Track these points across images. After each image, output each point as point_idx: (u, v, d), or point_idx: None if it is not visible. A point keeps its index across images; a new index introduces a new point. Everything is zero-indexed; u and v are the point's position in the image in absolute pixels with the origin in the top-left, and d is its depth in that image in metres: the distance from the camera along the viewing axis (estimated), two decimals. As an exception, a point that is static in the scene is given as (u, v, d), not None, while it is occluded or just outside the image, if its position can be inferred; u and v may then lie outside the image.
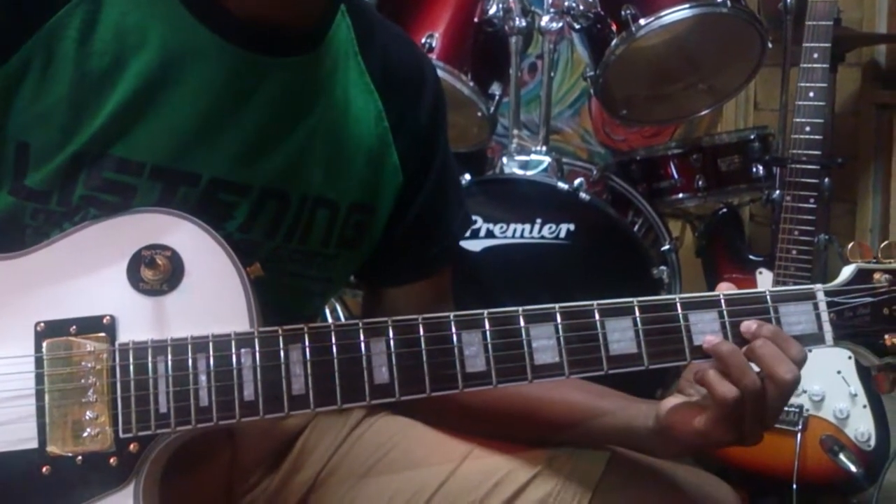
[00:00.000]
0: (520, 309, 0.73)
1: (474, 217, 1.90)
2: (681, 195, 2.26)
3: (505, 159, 2.03)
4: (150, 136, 0.78)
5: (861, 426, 1.67)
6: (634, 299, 0.73)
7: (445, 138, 0.99)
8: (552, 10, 1.98)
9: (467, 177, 1.93)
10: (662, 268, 1.90)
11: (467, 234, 1.88)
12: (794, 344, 0.72)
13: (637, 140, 3.00)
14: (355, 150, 0.89)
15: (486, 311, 0.73)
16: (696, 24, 1.94)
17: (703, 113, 2.23)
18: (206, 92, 0.79)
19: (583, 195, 1.87)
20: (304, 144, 0.85)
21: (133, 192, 0.78)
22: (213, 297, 0.74)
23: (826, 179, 2.20)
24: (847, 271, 0.77)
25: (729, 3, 1.85)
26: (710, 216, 2.01)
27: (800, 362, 0.72)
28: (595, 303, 0.73)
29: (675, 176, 2.25)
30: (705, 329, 0.72)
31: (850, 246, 0.78)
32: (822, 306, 0.73)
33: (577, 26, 2.03)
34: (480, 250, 1.91)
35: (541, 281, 1.90)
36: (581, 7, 1.97)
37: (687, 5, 1.87)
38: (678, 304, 0.72)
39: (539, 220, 1.89)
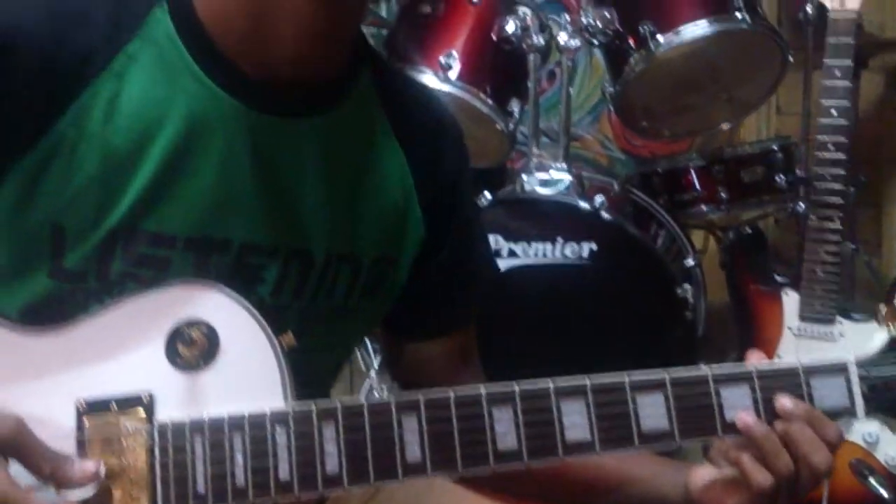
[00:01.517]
0: (551, 384, 0.73)
1: (494, 237, 1.91)
2: (703, 207, 2.26)
3: (525, 176, 2.02)
4: (180, 208, 0.78)
5: (891, 450, 1.66)
6: (666, 374, 0.73)
7: (469, 190, 0.99)
8: (570, 27, 1.97)
9: (487, 195, 1.93)
10: (686, 286, 1.90)
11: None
12: (829, 425, 0.72)
13: (657, 146, 2.98)
14: (379, 205, 0.90)
15: (517, 386, 0.73)
16: (716, 39, 1.92)
17: (725, 126, 2.22)
18: (231, 158, 0.80)
19: (604, 214, 1.87)
20: (329, 202, 0.86)
21: (168, 264, 0.79)
22: (248, 371, 0.75)
23: (852, 188, 2.19)
24: (879, 340, 0.76)
25: (749, 18, 1.84)
26: (733, 238, 2.00)
27: (836, 443, 0.72)
28: (626, 376, 0.73)
29: (698, 188, 2.25)
30: (737, 404, 0.72)
31: (884, 310, 0.77)
32: (854, 379, 0.73)
33: (595, 42, 2.02)
34: (502, 271, 1.91)
35: (563, 302, 1.91)
36: (599, 24, 1.97)
37: (706, 21, 1.87)
38: (710, 379, 0.72)
39: (560, 240, 1.89)
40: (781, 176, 2.19)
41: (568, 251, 1.89)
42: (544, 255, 1.90)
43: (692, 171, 2.25)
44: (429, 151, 0.93)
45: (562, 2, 2.93)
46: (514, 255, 1.90)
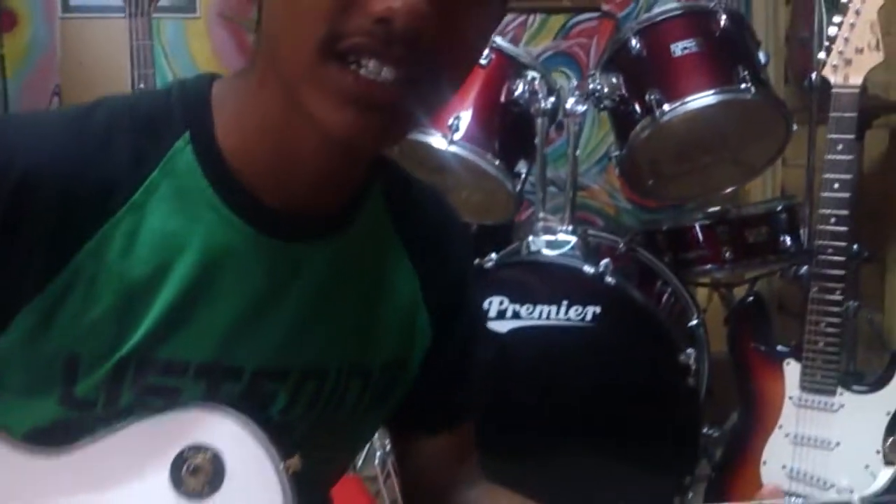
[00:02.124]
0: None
1: (500, 297, 1.92)
2: (708, 266, 2.28)
3: (531, 237, 2.04)
4: (194, 337, 0.78)
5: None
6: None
7: (473, 291, 1.01)
8: (577, 92, 2.00)
9: (493, 256, 1.95)
10: (689, 351, 1.90)
11: (494, 314, 1.93)
12: None
13: (663, 196, 3.01)
14: (389, 315, 0.90)
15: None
16: (722, 108, 1.94)
17: (729, 190, 2.24)
18: (247, 286, 0.80)
19: (608, 279, 1.88)
20: (342, 320, 0.86)
21: (177, 393, 0.78)
22: (253, 499, 0.76)
23: (854, 245, 2.20)
24: (883, 478, 0.77)
25: (754, 89, 1.86)
26: (736, 306, 2.01)
27: None
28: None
29: (703, 247, 2.27)
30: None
31: (889, 444, 0.78)
32: (856, 517, 0.74)
33: (603, 106, 2.05)
34: (507, 331, 1.92)
35: (567, 364, 1.92)
36: (606, 89, 1.99)
37: (711, 91, 1.89)
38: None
39: (566, 303, 1.90)
40: (786, 237, 2.21)
41: (572, 314, 1.90)
42: (548, 316, 1.91)
43: (697, 231, 2.27)
44: (435, 254, 0.94)
45: (572, 55, 2.97)
46: (518, 316, 1.91)
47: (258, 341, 0.81)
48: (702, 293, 2.60)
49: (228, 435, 0.77)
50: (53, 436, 0.77)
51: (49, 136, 0.77)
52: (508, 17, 2.91)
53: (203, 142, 0.79)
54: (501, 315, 1.91)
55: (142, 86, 1.85)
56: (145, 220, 0.77)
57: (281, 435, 0.78)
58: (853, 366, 2.39)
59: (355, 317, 0.87)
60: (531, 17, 2.95)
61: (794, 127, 1.97)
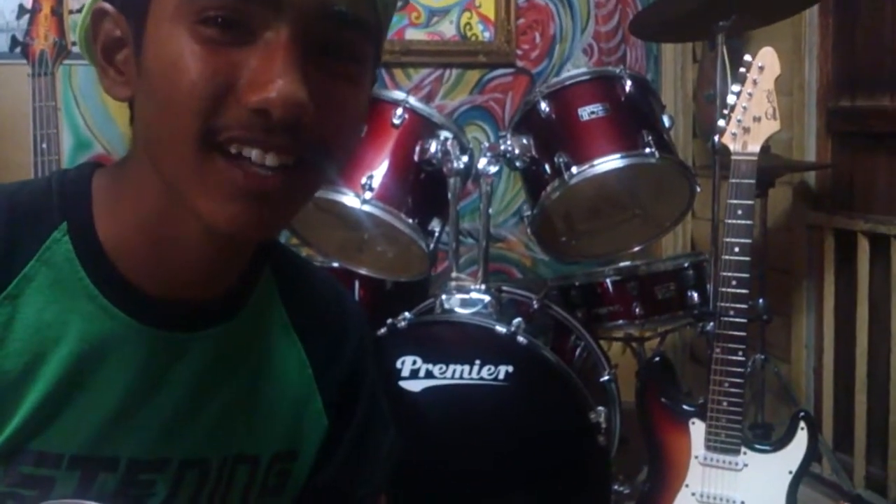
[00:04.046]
0: None
1: (413, 357, 1.92)
2: (620, 321, 2.32)
3: (444, 296, 2.05)
4: (68, 428, 0.77)
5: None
6: None
7: (372, 377, 1.00)
8: (489, 153, 2.02)
9: (407, 315, 1.95)
10: (600, 409, 1.92)
11: (407, 374, 1.93)
12: None
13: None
14: (278, 402, 0.89)
15: None
16: (628, 170, 1.99)
17: (636, 248, 2.29)
18: (125, 377, 0.79)
19: (521, 339, 1.89)
20: (226, 409, 0.85)
21: (51, 483, 0.77)
22: None
23: (760, 300, 2.27)
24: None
25: (657, 153, 1.91)
26: (643, 367, 2.05)
27: None
28: None
29: (614, 303, 2.31)
30: None
31: None
32: None
33: (514, 166, 2.08)
34: (420, 391, 1.92)
35: (480, 422, 1.92)
36: (517, 151, 2.03)
37: (618, 155, 1.94)
38: None
39: (478, 362, 1.91)
40: (693, 293, 2.27)
41: (485, 373, 1.91)
42: (461, 376, 1.92)
43: (608, 287, 2.31)
44: (328, 343, 0.93)
45: (488, 110, 3.01)
46: (431, 375, 1.91)
47: (134, 431, 0.80)
48: (615, 344, 2.64)
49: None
50: None
51: None
52: (425, 71, 2.95)
53: (81, 232, 0.78)
54: (414, 374, 1.91)
55: (44, 146, 1.82)
56: (19, 311, 0.76)
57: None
58: (761, 417, 2.45)
59: (241, 405, 0.86)
60: (447, 72, 2.99)
61: (699, 189, 2.03)
